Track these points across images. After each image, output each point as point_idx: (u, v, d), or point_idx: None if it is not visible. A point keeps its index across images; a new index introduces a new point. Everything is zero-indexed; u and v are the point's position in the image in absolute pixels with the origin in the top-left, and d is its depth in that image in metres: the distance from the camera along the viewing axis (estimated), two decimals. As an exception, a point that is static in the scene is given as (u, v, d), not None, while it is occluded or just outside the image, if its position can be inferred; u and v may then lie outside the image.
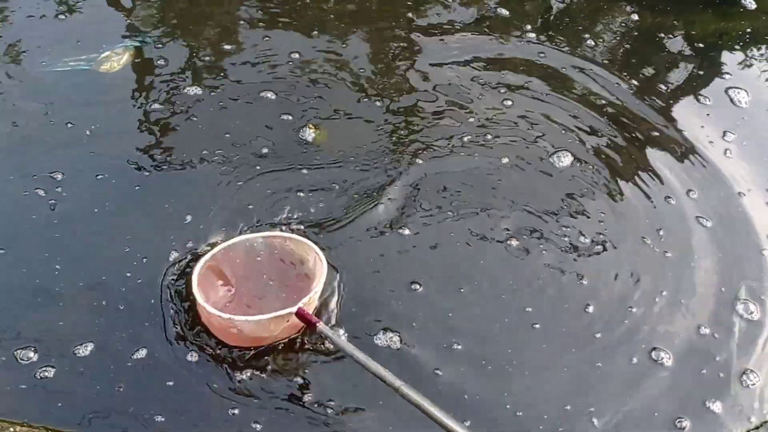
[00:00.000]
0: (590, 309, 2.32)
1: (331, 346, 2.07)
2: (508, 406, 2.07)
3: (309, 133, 2.77)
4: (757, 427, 2.07)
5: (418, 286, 2.33)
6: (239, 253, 2.17)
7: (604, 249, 2.51)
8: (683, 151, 2.94)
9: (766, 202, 2.74)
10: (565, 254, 2.48)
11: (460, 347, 2.19)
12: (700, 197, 2.74)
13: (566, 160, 2.81)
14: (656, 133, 3.00)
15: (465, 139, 2.84)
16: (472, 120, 2.93)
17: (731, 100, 3.17)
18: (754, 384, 2.16)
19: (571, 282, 2.40)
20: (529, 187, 2.70)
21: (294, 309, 1.93)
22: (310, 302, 2.01)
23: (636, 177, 2.81)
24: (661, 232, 2.60)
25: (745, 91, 3.20)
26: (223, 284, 2.19)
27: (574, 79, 3.21)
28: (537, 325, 2.27)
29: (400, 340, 2.17)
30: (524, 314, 2.30)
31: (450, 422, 1.73)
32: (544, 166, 2.78)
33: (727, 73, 3.33)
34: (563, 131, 2.93)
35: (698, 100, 3.17)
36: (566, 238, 2.53)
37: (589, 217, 2.62)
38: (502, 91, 3.08)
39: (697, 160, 2.89)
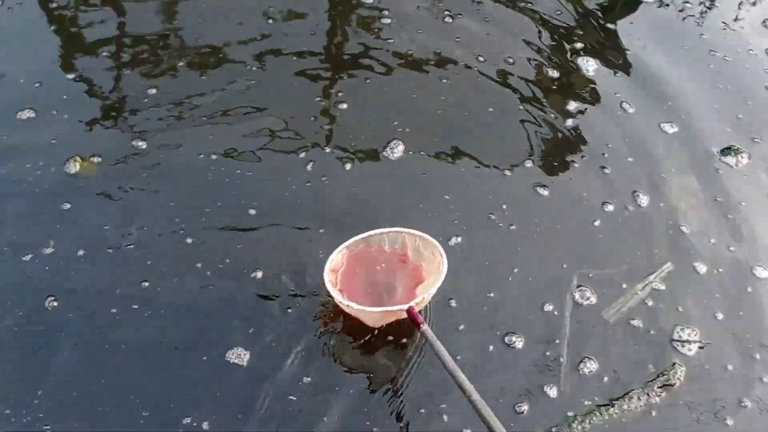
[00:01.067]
0: (453, 303, 2.36)
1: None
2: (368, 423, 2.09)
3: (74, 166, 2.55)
4: (587, 413, 2.24)
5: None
6: (372, 245, 2.29)
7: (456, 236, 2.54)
8: (521, 119, 3.00)
9: (599, 167, 2.87)
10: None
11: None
12: (538, 165, 2.83)
13: (398, 150, 2.76)
14: (492, 109, 3.00)
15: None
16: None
17: (580, 68, 3.22)
18: (590, 371, 2.32)
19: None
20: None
21: (405, 307, 2.07)
22: (422, 302, 2.15)
23: (474, 151, 2.84)
24: (504, 206, 2.66)
25: (596, 60, 3.25)
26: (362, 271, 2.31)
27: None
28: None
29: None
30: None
31: None
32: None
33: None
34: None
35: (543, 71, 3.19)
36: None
37: (436, 202, 2.63)
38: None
39: (532, 128, 2.96)
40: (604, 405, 2.24)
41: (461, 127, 2.90)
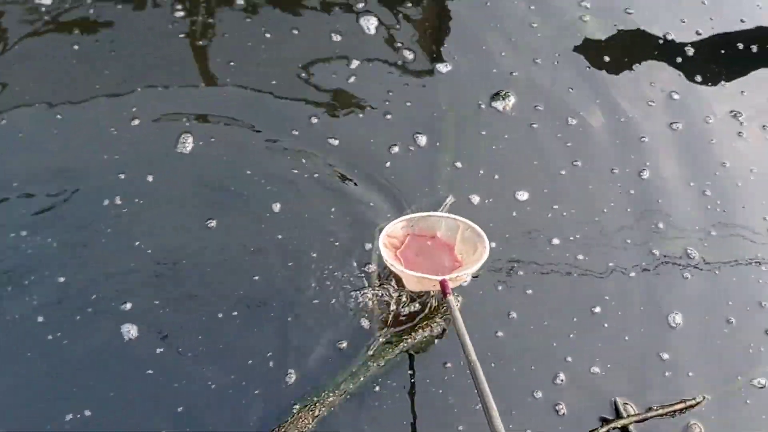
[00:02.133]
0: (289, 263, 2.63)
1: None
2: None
3: None
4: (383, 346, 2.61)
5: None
6: (430, 224, 2.70)
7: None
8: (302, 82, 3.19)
9: (382, 114, 3.13)
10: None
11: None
12: (324, 121, 3.06)
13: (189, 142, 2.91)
14: (274, 81, 3.14)
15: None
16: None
17: (362, 27, 3.38)
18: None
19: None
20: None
21: (440, 278, 2.44)
22: (456, 279, 2.51)
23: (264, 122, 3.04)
24: (304, 161, 2.90)
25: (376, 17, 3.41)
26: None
27: None
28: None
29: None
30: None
31: (496, 415, 2.03)
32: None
33: None
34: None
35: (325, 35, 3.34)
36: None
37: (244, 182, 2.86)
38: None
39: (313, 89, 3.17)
40: (396, 340, 2.60)
41: (253, 103, 3.08)
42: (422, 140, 3.06)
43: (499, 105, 3.24)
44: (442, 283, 2.42)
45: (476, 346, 2.56)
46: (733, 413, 2.61)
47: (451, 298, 2.39)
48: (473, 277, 2.72)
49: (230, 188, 2.82)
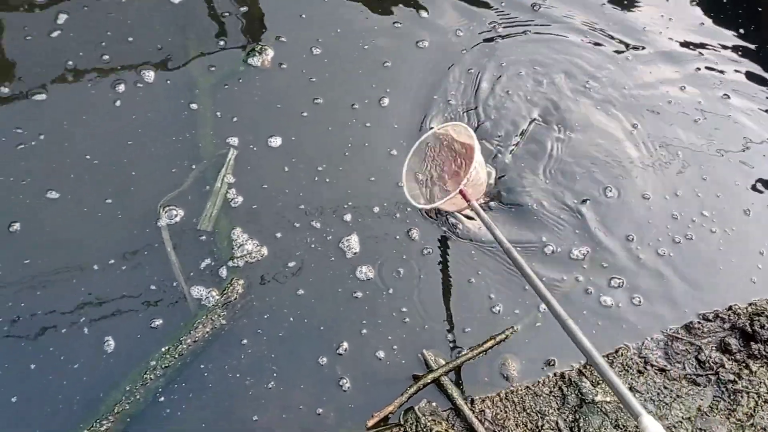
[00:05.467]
0: None
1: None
2: None
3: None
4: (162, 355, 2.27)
5: None
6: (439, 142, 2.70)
7: None
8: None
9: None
10: None
11: None
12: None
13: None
14: None
15: None
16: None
17: None
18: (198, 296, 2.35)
19: None
20: None
21: (456, 192, 2.46)
22: (473, 181, 2.48)
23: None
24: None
25: None
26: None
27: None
28: None
29: None
30: None
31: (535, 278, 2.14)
32: None
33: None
34: None
35: None
36: None
37: None
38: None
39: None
40: (177, 344, 2.28)
41: None
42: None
43: (256, 60, 2.96)
44: (462, 193, 2.47)
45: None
46: (539, 340, 2.48)
47: (473, 202, 2.47)
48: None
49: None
